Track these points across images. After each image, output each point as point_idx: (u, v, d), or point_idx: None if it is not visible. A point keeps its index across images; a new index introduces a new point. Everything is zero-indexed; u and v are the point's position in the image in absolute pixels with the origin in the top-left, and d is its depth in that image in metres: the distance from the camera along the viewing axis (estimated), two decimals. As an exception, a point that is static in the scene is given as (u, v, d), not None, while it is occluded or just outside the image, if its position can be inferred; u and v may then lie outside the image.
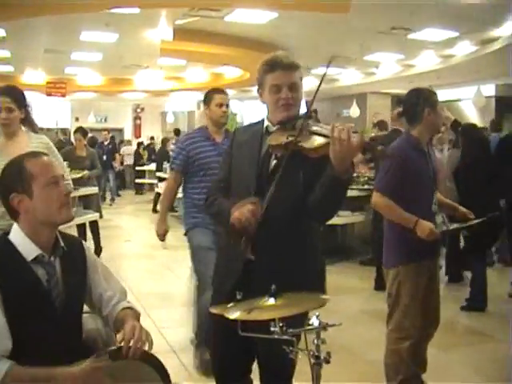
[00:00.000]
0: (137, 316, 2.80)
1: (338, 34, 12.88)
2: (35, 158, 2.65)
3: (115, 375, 2.46)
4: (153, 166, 19.56)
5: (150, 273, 9.39)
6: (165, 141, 19.45)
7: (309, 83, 20.77)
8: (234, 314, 2.47)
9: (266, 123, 3.18)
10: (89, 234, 10.14)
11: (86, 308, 2.88)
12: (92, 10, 10.76)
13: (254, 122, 3.40)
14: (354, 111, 20.59)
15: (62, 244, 2.69)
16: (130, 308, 2.83)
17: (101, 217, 10.53)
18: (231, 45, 13.33)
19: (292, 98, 3.05)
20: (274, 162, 3.06)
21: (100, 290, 2.83)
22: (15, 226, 2.63)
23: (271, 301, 2.49)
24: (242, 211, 2.89)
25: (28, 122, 4.67)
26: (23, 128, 4.62)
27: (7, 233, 2.64)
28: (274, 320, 2.38)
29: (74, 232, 9.87)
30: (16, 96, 4.59)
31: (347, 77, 20.53)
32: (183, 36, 13.53)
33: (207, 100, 5.38)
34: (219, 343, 3.34)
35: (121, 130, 27.50)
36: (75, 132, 11.09)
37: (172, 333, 6.29)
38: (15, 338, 2.45)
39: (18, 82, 22.08)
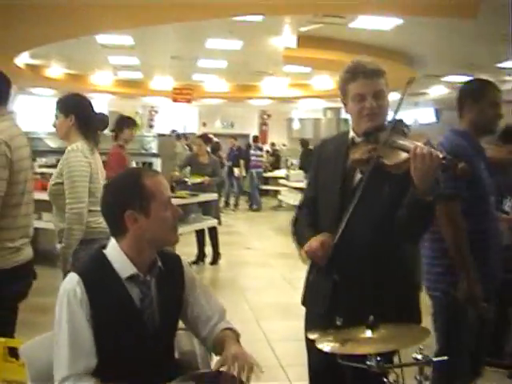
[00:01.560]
0: (237, 337, 2.66)
1: (467, 40, 12.40)
2: (153, 176, 2.54)
3: None
4: (278, 173, 19.59)
5: (266, 282, 9.27)
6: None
7: (438, 91, 20.43)
8: (329, 345, 2.32)
9: (352, 134, 3.00)
10: (208, 240, 10.18)
11: (182, 325, 2.77)
12: (216, 17, 10.84)
13: (341, 133, 3.25)
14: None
15: (160, 264, 2.59)
16: (230, 329, 2.70)
17: (219, 223, 10.56)
18: (356, 52, 13.04)
19: (377, 107, 2.84)
20: (359, 176, 2.88)
21: (198, 309, 2.71)
22: (113, 241, 2.53)
23: (368, 333, 2.32)
24: (311, 244, 2.83)
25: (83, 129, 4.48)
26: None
27: (103, 246, 2.56)
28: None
29: (193, 238, 9.97)
30: (59, 103, 4.46)
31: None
32: (307, 43, 13.45)
33: None
34: (315, 367, 3.17)
35: (247, 136, 27.71)
36: (197, 138, 11.22)
37: (282, 346, 6.16)
38: (102, 356, 2.39)
39: (147, 88, 22.87)
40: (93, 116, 4.69)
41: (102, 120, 6.09)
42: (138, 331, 2.46)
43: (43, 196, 8.60)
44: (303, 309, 3.20)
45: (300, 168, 18.63)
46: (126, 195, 2.46)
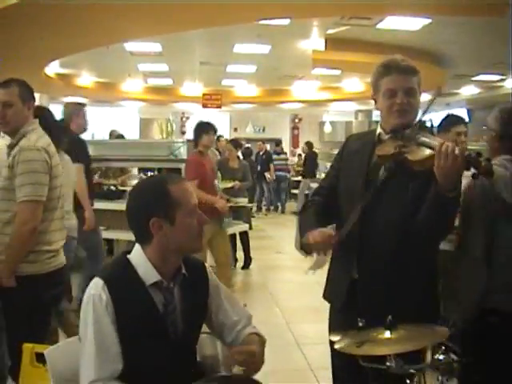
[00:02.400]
0: (262, 342, 2.66)
1: (497, 38, 12.26)
2: (179, 183, 2.52)
3: None
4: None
5: (297, 286, 9.19)
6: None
7: (469, 90, 20.22)
8: (348, 346, 2.30)
9: (379, 131, 2.97)
10: (239, 245, 10.19)
11: (205, 328, 2.77)
12: (243, 21, 10.87)
13: (369, 130, 3.24)
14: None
15: (184, 271, 2.58)
16: (256, 334, 2.71)
17: (250, 228, 10.55)
18: (384, 53, 12.91)
19: (408, 104, 2.81)
20: (384, 173, 2.84)
21: (223, 315, 2.71)
22: (138, 247, 2.53)
23: (386, 334, 2.29)
24: (314, 234, 2.81)
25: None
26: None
27: (128, 251, 2.56)
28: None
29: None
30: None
31: (510, 83, 19.57)
32: (335, 45, 13.42)
33: None
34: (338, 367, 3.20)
35: (279, 140, 27.71)
36: (228, 143, 11.24)
37: (312, 349, 6.13)
38: (126, 360, 2.40)
39: (178, 94, 23.00)
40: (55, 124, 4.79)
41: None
42: (160, 336, 2.46)
43: None
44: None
45: (303, 173, 18.68)
46: (151, 202, 2.45)
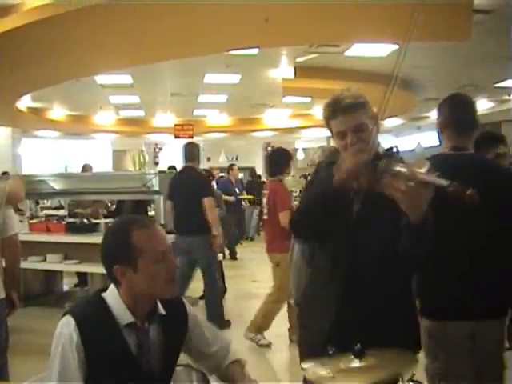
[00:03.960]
0: (243, 365, 2.72)
1: (464, 61, 12.47)
2: (143, 228, 2.46)
3: None
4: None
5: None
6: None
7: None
8: (319, 375, 2.31)
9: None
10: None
11: (181, 359, 2.75)
12: (212, 51, 10.92)
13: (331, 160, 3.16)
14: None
15: (161, 310, 2.55)
16: (237, 360, 2.74)
17: (224, 257, 10.49)
18: (353, 79, 13.07)
19: (360, 141, 2.72)
20: (358, 206, 2.82)
21: (203, 345, 2.71)
22: (112, 288, 2.50)
23: (356, 362, 2.30)
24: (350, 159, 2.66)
25: None
26: None
27: (104, 289, 2.54)
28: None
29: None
30: None
31: (480, 105, 19.83)
32: (304, 73, 13.52)
33: None
34: None
35: (253, 169, 27.73)
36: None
37: (293, 377, 6.10)
38: None
39: (150, 125, 23.04)
40: None
41: None
42: (133, 377, 2.42)
43: (48, 238, 8.78)
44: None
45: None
46: (114, 250, 2.44)
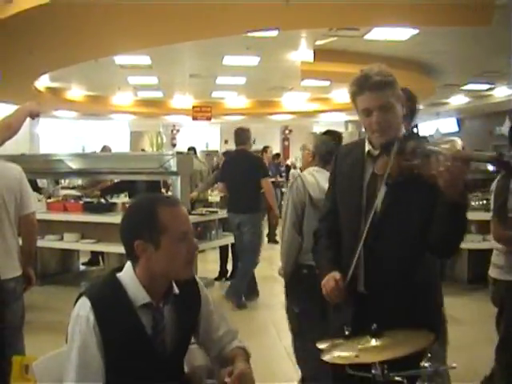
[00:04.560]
0: (247, 357, 2.67)
1: (485, 47, 12.33)
2: (170, 206, 2.45)
3: None
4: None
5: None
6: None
7: (459, 100, 20.26)
8: (335, 355, 2.31)
9: (368, 147, 2.90)
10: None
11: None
12: (231, 33, 10.88)
13: (356, 141, 3.17)
14: (507, 128, 19.65)
15: (176, 290, 2.55)
16: (241, 348, 2.71)
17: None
18: (372, 63, 13.03)
19: (384, 121, 2.73)
20: (384, 190, 2.77)
21: (211, 329, 2.71)
22: (129, 267, 2.49)
23: (373, 341, 2.31)
24: (327, 285, 2.85)
25: None
26: None
27: (119, 269, 2.54)
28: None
29: (216, 254, 9.96)
30: None
31: (499, 92, 19.68)
32: (324, 57, 13.46)
33: None
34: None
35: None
36: (223, 155, 11.32)
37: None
38: (111, 378, 2.38)
39: (168, 106, 23.02)
40: None
41: None
42: (148, 357, 2.44)
43: (65, 217, 8.82)
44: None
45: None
46: (138, 224, 2.43)
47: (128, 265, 2.50)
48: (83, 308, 2.39)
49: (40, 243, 7.88)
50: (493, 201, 4.35)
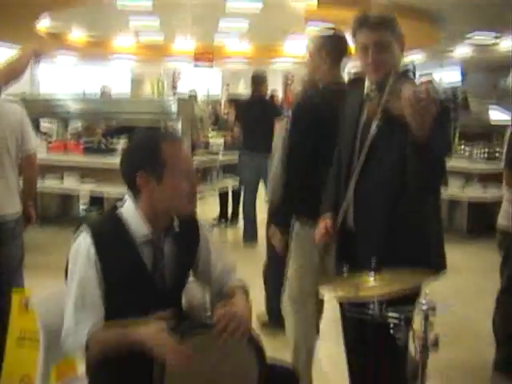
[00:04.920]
0: (246, 294, 2.66)
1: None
2: (173, 142, 2.46)
3: (204, 348, 2.30)
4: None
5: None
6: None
7: (463, 51, 19.98)
8: (333, 293, 2.31)
9: (367, 84, 2.91)
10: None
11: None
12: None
13: (353, 80, 3.27)
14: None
15: (177, 225, 2.55)
16: (240, 286, 2.69)
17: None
18: (377, 9, 12.83)
19: (379, 60, 2.76)
20: (375, 130, 2.77)
21: (210, 267, 2.70)
22: (130, 202, 2.49)
23: (370, 277, 2.30)
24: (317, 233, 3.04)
25: None
26: None
27: (118, 205, 2.52)
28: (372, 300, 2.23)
29: (216, 199, 9.97)
30: None
31: (504, 44, 19.42)
32: (328, 1, 13.26)
33: None
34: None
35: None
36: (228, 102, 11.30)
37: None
38: (111, 311, 2.39)
39: (169, 50, 22.77)
40: None
41: None
42: (147, 292, 2.44)
43: (65, 158, 8.79)
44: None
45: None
46: (141, 155, 2.42)
47: (129, 200, 2.49)
48: (84, 243, 2.39)
49: (40, 185, 7.86)
50: (505, 151, 4.40)
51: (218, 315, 2.33)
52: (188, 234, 2.61)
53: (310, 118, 3.59)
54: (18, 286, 4.08)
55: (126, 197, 2.51)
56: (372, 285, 2.30)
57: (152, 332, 2.22)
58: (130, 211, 2.47)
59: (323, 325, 4.39)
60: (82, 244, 2.39)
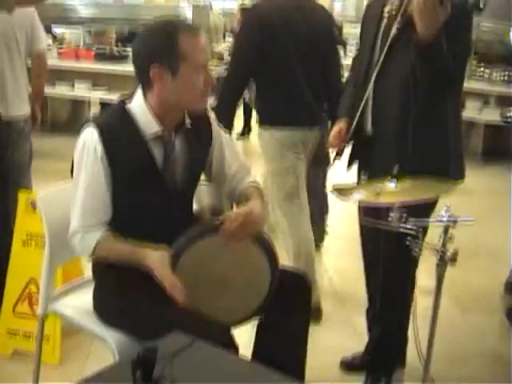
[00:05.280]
0: (261, 195, 2.54)
1: None
2: (191, 34, 2.28)
3: (214, 251, 2.22)
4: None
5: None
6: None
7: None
8: (352, 197, 2.23)
9: None
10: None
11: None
12: None
13: None
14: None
15: (189, 121, 2.43)
16: (255, 186, 2.59)
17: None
18: None
19: None
20: (394, 32, 2.68)
21: (223, 165, 2.59)
22: (139, 96, 2.35)
23: (392, 184, 2.21)
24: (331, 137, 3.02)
25: None
26: None
27: (127, 99, 2.38)
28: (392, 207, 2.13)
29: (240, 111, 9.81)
30: None
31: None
32: None
33: None
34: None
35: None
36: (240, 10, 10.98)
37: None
38: (119, 212, 2.33)
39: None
40: None
41: None
42: (157, 190, 2.36)
43: (76, 65, 8.66)
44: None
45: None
46: (156, 47, 2.26)
47: (138, 94, 2.36)
48: (90, 138, 2.27)
49: (51, 92, 7.91)
50: None
51: (227, 215, 2.25)
52: (200, 131, 2.48)
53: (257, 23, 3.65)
54: (27, 188, 4.03)
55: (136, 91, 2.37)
56: (393, 191, 2.19)
57: (154, 262, 2.17)
58: (139, 106, 2.34)
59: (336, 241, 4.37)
60: (89, 139, 2.27)
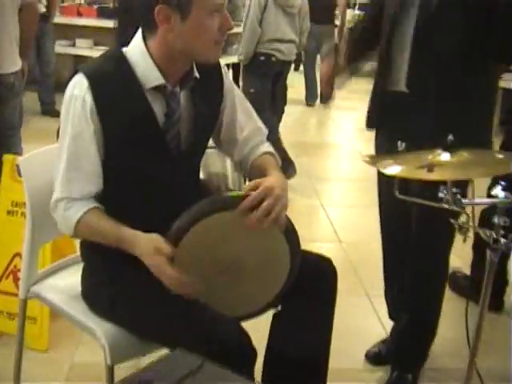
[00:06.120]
0: (277, 164, 2.17)
1: None
2: None
3: (225, 229, 1.84)
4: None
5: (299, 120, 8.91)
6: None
7: None
8: (392, 169, 1.89)
9: None
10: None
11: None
12: None
13: None
14: None
15: (197, 74, 2.03)
16: (271, 153, 2.21)
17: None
18: None
19: None
20: None
21: (234, 127, 2.20)
22: (139, 40, 1.95)
23: (444, 156, 1.84)
24: None
25: None
26: None
27: (125, 44, 1.98)
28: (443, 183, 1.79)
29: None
30: None
31: None
32: None
33: None
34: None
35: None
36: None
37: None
38: (112, 178, 1.96)
39: None
40: None
41: None
42: (157, 152, 1.98)
43: (78, 22, 8.36)
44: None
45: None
46: None
47: (138, 38, 1.95)
48: (79, 87, 1.89)
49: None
50: None
51: (249, 187, 1.86)
52: (209, 82, 2.09)
53: None
54: (18, 150, 3.82)
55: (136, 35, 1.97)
56: (448, 165, 1.81)
57: (146, 249, 1.82)
58: (138, 52, 1.94)
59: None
60: (77, 89, 1.90)
